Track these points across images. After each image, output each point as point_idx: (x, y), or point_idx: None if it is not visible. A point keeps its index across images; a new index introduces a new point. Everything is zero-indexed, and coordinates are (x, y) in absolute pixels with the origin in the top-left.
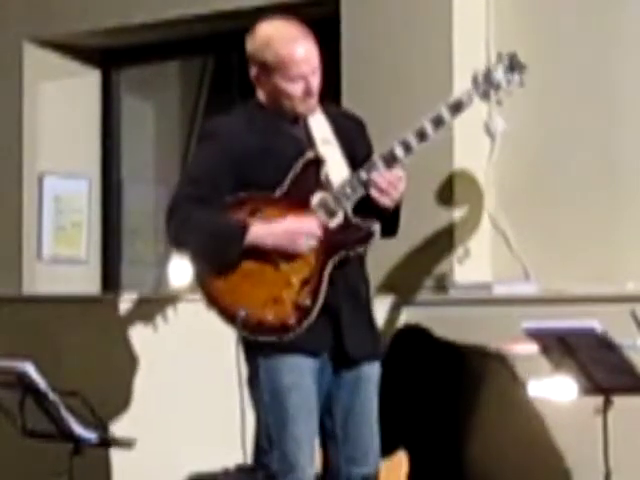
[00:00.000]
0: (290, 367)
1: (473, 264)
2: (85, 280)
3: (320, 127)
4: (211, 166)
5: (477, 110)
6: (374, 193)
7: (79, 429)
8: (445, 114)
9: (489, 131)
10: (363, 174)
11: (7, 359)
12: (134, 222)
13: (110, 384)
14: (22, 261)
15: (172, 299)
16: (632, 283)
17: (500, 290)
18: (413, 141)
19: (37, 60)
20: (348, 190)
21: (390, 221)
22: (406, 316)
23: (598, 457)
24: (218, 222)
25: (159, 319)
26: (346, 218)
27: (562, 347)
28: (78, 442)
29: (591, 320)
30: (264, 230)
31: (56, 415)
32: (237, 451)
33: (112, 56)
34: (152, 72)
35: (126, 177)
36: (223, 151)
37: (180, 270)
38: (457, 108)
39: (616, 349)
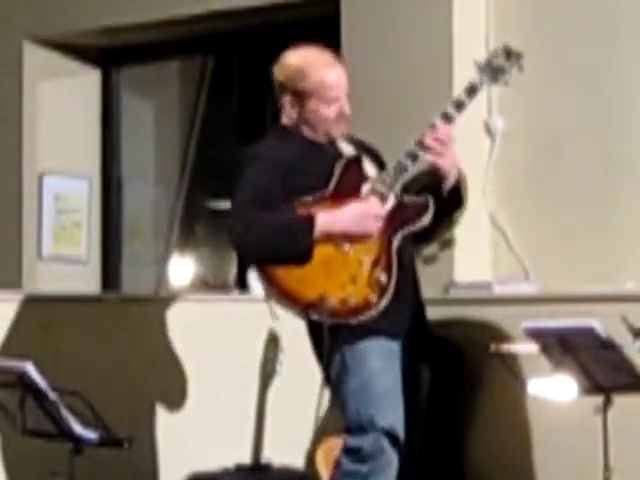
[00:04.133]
0: (379, 350)
1: (473, 264)
2: (85, 280)
3: (347, 149)
4: (263, 179)
5: (477, 110)
6: (430, 157)
7: (79, 429)
8: (463, 97)
9: (489, 131)
10: (410, 147)
11: (7, 359)
12: (134, 222)
13: (110, 384)
14: (22, 261)
15: (172, 299)
16: (631, 283)
17: (500, 290)
18: (439, 122)
19: (37, 60)
20: (393, 174)
21: (454, 193)
22: None
23: (598, 457)
24: (284, 219)
25: (159, 319)
26: (398, 199)
27: (562, 347)
28: (78, 442)
29: (591, 319)
30: (331, 217)
31: (56, 415)
32: (237, 451)
33: (112, 56)
34: (152, 72)
35: (126, 177)
36: (269, 165)
37: (180, 270)
38: (472, 91)
39: (616, 349)
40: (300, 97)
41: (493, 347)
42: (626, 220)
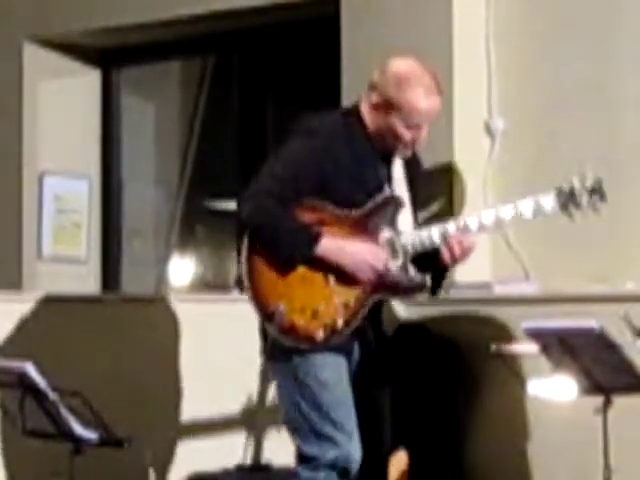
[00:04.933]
0: (329, 363)
1: (473, 264)
2: (85, 280)
3: (397, 165)
4: (299, 166)
5: (477, 110)
6: (444, 252)
7: (79, 429)
8: (526, 209)
9: (489, 131)
10: (448, 229)
11: (7, 359)
12: (134, 222)
13: (110, 384)
14: (22, 261)
15: (172, 299)
16: (632, 283)
17: (500, 290)
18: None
19: (37, 60)
20: (417, 240)
21: (438, 277)
22: (406, 315)
23: (598, 457)
24: (293, 224)
25: (159, 319)
26: (404, 265)
27: (562, 347)
28: (78, 442)
29: (591, 320)
30: (335, 246)
31: (56, 415)
32: (237, 451)
33: (112, 56)
34: (152, 72)
35: (126, 177)
36: (315, 152)
37: (180, 270)
38: (537, 211)
39: (616, 349)
40: (385, 105)
41: (494, 347)
42: (626, 220)
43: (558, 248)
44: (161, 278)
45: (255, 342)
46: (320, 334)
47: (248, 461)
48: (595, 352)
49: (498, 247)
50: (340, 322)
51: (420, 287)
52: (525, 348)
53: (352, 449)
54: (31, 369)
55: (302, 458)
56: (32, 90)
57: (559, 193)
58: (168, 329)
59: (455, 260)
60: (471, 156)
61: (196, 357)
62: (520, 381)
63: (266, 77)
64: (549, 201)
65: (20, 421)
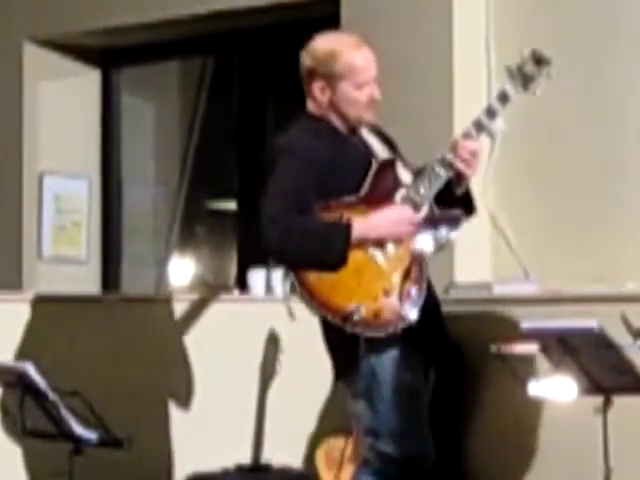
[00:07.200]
0: (403, 359)
1: (473, 264)
2: (85, 280)
3: (370, 137)
4: (295, 179)
5: (477, 109)
6: (460, 166)
7: (79, 429)
8: (495, 104)
9: (489, 131)
10: (444, 154)
11: (7, 359)
12: (134, 222)
13: (110, 384)
14: (22, 261)
15: (172, 299)
16: (631, 283)
17: (500, 290)
18: (472, 130)
19: (37, 60)
20: (426, 181)
21: (466, 201)
22: None
23: (598, 457)
24: (321, 225)
25: (159, 319)
26: (431, 210)
27: (562, 347)
28: (78, 442)
29: (591, 320)
30: (366, 224)
31: (56, 415)
32: (237, 451)
33: (112, 56)
34: (152, 72)
35: (126, 177)
36: (302, 164)
37: (180, 270)
38: (504, 98)
39: (616, 349)
40: (331, 81)
41: (494, 348)
42: (626, 220)
43: (558, 248)
44: (161, 278)
45: (255, 342)
46: (405, 310)
47: (248, 461)
48: (595, 352)
49: (498, 247)
50: (413, 290)
51: (457, 218)
52: (525, 348)
53: (427, 445)
54: (31, 369)
55: (380, 457)
56: (32, 90)
57: (510, 74)
58: (168, 329)
59: (469, 164)
60: None
61: (196, 357)
62: (520, 381)
63: (266, 77)
64: (508, 85)
65: (20, 421)
